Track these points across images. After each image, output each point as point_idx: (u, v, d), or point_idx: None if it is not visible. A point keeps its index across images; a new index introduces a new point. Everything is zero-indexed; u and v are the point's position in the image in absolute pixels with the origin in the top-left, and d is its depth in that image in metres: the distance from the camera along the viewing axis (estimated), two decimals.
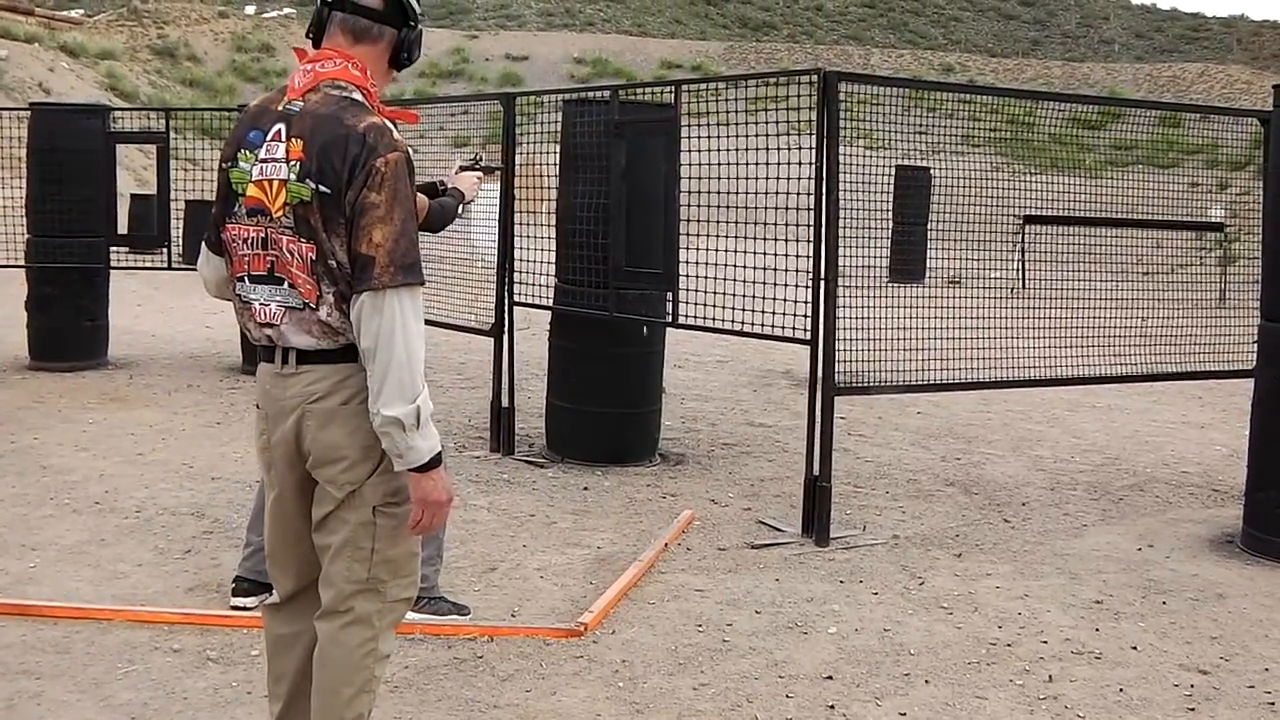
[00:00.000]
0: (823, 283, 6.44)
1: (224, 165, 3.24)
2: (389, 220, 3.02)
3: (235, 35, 43.78)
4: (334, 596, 3.22)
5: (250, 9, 54.92)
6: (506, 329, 8.29)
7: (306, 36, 3.31)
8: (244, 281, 3.22)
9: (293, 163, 3.07)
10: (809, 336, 6.48)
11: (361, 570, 3.20)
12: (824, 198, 6.41)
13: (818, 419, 6.51)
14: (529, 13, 64.10)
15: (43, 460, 7.64)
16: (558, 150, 8.20)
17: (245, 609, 5.13)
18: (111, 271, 11.41)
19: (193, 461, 7.74)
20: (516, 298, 8.29)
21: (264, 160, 3.12)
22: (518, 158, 8.32)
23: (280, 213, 3.09)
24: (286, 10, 55.81)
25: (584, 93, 8.85)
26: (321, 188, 3.04)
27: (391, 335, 3.00)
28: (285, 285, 3.13)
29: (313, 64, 3.19)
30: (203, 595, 5.39)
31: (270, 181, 3.11)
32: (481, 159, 5.08)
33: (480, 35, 48.93)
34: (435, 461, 3.09)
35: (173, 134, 11.04)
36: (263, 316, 3.18)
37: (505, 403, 8.27)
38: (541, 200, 8.78)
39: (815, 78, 6.52)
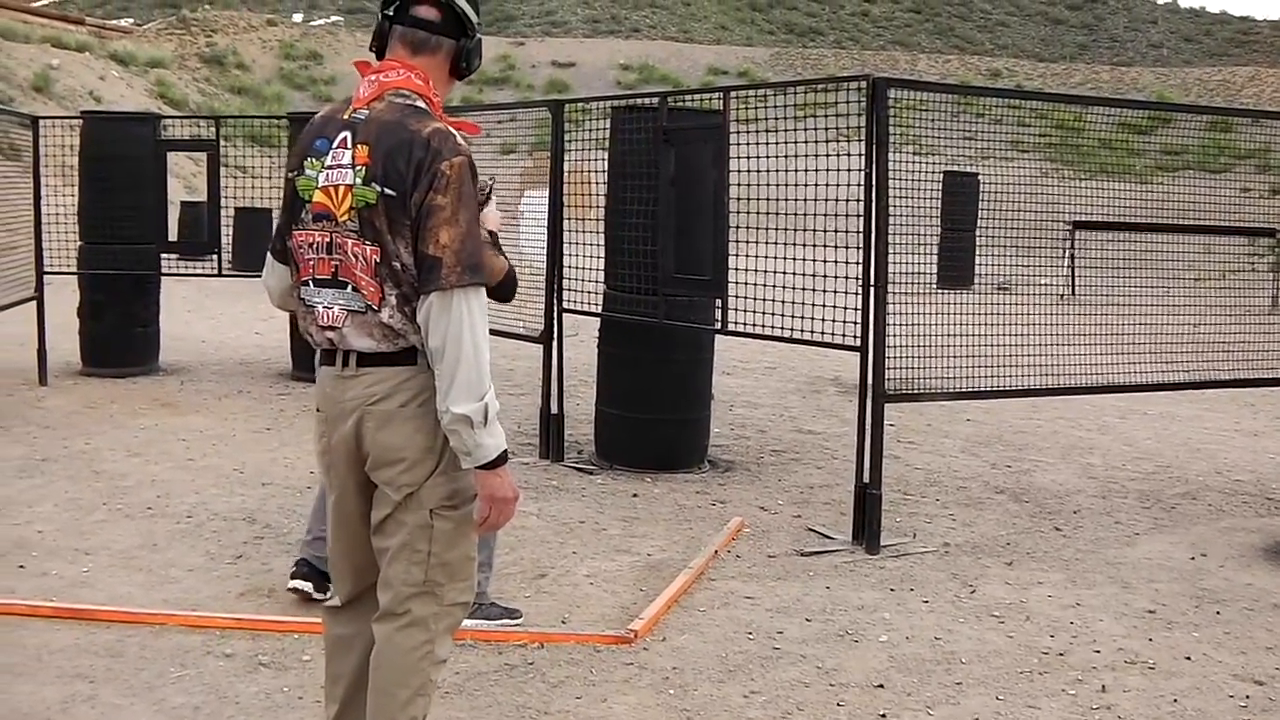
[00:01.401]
0: (872, 289, 6.41)
1: (290, 175, 3.29)
2: (455, 222, 3.07)
3: (283, 43, 44.19)
4: (391, 599, 3.25)
5: (298, 17, 55.44)
6: (555, 335, 8.30)
7: (370, 49, 3.39)
8: (308, 285, 3.26)
9: (359, 167, 3.12)
10: (859, 343, 6.46)
11: (419, 573, 3.22)
12: (873, 204, 6.39)
13: (868, 426, 6.48)
14: (575, 19, 64.34)
15: (95, 465, 7.71)
16: (606, 157, 8.21)
17: (301, 592, 5.21)
18: (162, 278, 11.50)
19: (243, 467, 7.79)
20: (565, 304, 8.31)
21: (331, 167, 3.18)
22: (566, 165, 8.34)
23: (346, 217, 3.14)
24: (334, 18, 56.25)
25: (633, 99, 8.83)
26: (387, 190, 3.09)
27: (459, 334, 3.05)
28: (349, 289, 3.17)
29: (377, 74, 3.25)
30: (254, 600, 5.42)
31: (336, 187, 3.15)
32: (488, 187, 4.96)
33: (526, 42, 49.21)
34: (502, 459, 3.13)
35: (222, 141, 11.12)
36: (325, 320, 3.22)
37: (554, 409, 8.28)
38: (590, 207, 8.78)
39: (864, 84, 6.50)
